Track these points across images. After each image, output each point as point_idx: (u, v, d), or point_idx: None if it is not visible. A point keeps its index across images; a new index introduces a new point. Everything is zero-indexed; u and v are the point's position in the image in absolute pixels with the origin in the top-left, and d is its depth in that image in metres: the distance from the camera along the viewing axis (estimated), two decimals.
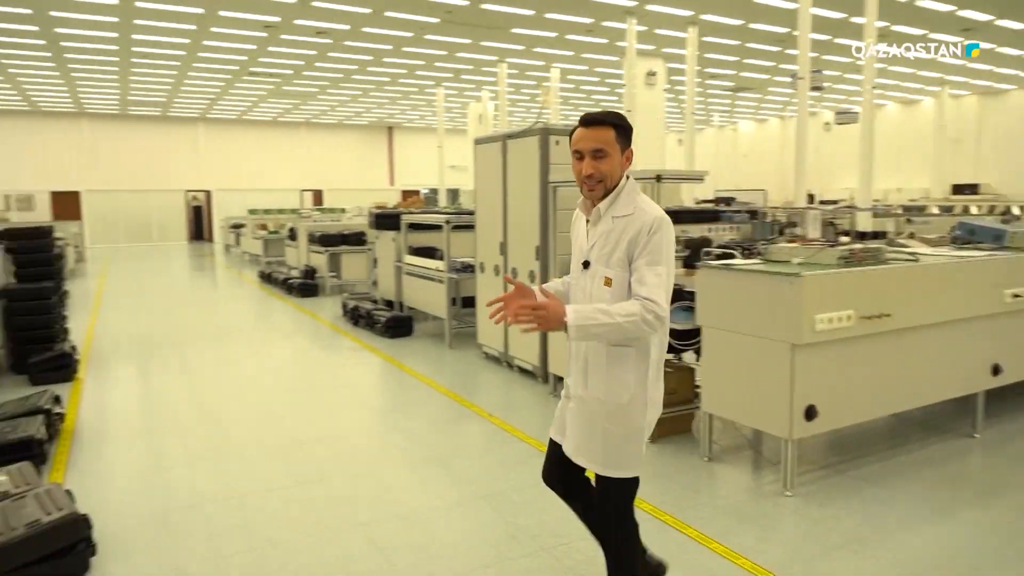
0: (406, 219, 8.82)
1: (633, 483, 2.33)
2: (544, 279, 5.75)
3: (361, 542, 3.33)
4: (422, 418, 5.36)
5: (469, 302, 7.91)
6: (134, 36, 15.01)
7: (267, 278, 13.77)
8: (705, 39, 15.73)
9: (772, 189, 29.21)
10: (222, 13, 13.45)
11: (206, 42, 15.74)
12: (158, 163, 27.81)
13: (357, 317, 9.02)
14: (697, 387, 4.64)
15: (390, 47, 16.60)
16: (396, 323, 8.34)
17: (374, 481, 4.09)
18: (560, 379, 5.74)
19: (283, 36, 15.32)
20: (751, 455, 4.47)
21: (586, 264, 2.30)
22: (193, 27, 14.43)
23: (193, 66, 18.34)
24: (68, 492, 3.33)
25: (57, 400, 5.01)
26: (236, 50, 16.63)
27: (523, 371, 6.40)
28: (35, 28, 14.28)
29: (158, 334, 8.82)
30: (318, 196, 30.87)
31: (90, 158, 26.64)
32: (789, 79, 16.64)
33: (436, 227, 8.10)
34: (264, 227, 17.70)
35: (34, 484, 3.42)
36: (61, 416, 4.98)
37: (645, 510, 3.57)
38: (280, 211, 20.65)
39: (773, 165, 29.87)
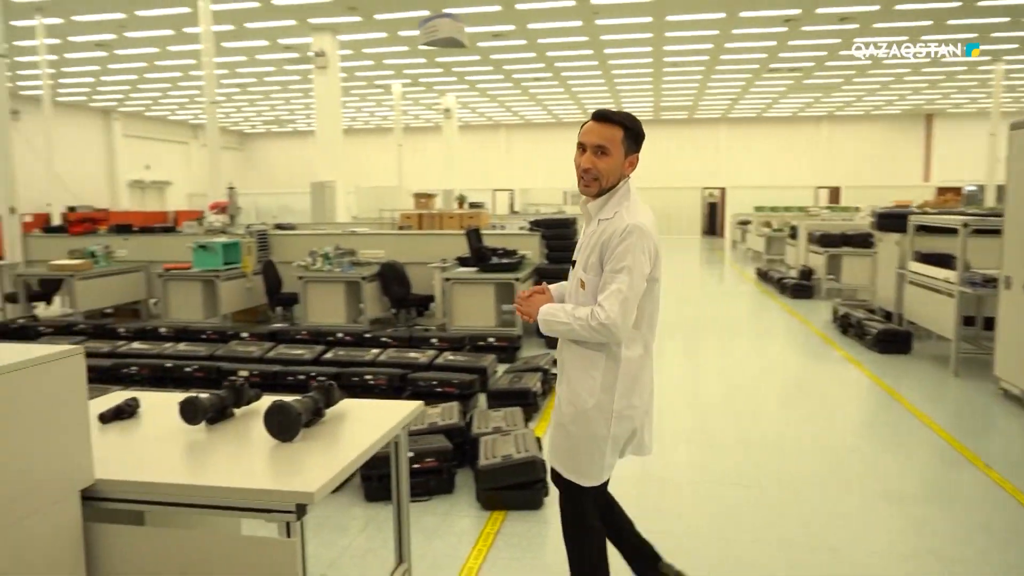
0: (913, 220, 7.67)
1: (591, 492, 2.32)
2: None
3: (778, 561, 3.14)
4: (896, 451, 4.66)
5: (990, 323, 6.47)
6: (665, 48, 16.59)
7: (763, 276, 13.72)
8: None
9: None
10: (743, 14, 13.77)
11: (728, 44, 16.35)
12: (682, 162, 30.19)
13: (846, 325, 8.28)
14: None
15: (930, 22, 14.45)
16: (890, 337, 7.37)
17: (815, 502, 3.77)
18: None
19: (803, 28, 14.84)
20: None
21: (573, 264, 2.35)
22: (715, 32, 15.16)
23: (716, 69, 19.26)
24: (538, 439, 4.01)
25: (555, 363, 6.01)
26: (756, 48, 16.82)
27: None
28: (589, 52, 17.07)
29: (661, 319, 9.67)
30: (835, 193, 29.08)
31: None
32: None
33: (951, 230, 6.83)
34: (768, 225, 17.61)
35: (518, 427, 4.22)
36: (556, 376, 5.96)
37: None
38: (786, 209, 20.23)
39: None
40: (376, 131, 31.34)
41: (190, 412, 2.19)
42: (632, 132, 2.22)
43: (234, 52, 17.06)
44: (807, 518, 3.57)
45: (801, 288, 11.48)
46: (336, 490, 3.83)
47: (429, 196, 13.77)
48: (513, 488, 3.60)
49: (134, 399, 2.41)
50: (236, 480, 1.79)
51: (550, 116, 29.04)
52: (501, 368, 6.01)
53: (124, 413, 2.33)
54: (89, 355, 6.12)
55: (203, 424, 2.24)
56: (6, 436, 1.58)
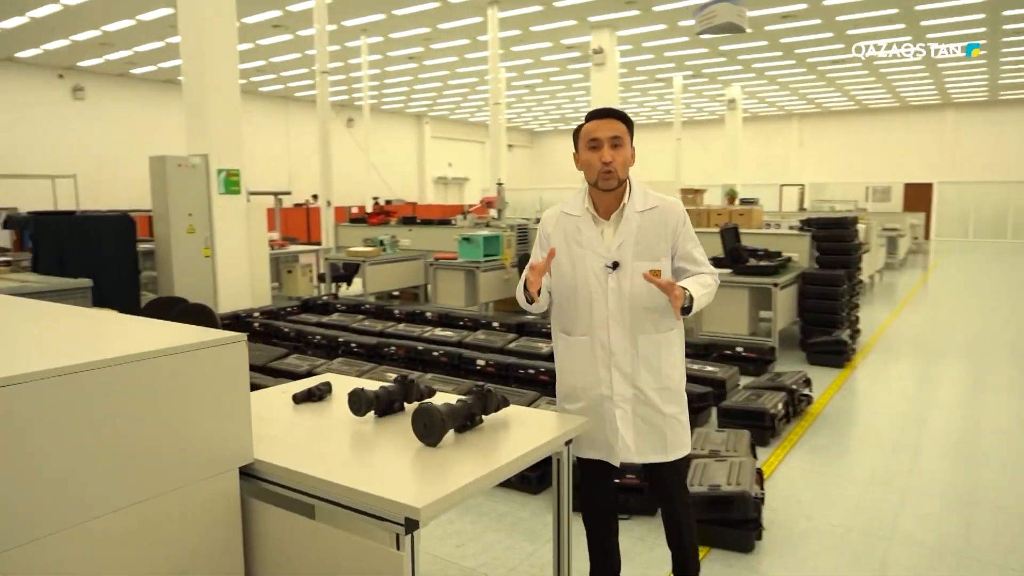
0: None
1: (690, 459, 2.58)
2: None
3: None
4: None
5: None
6: (1003, 13, 13.68)
7: None
8: None
9: None
10: None
11: None
12: None
13: None
14: None
15: None
16: None
17: None
18: None
19: None
20: None
21: (615, 265, 2.32)
22: None
23: None
24: (759, 471, 3.52)
25: (807, 383, 5.28)
26: None
27: None
28: (901, 27, 14.78)
29: (956, 341, 8.07)
30: None
31: (950, 148, 26.04)
32: None
33: None
34: None
35: (739, 453, 3.74)
36: (808, 398, 5.23)
37: None
38: None
39: None
40: (657, 125, 30.95)
41: (356, 403, 2.27)
42: (631, 127, 2.35)
43: (521, 55, 18.07)
44: None
45: None
46: (539, 491, 3.79)
47: (697, 191, 13.14)
48: (719, 524, 3.20)
49: (326, 383, 2.58)
50: (362, 482, 1.78)
51: (852, 103, 25.95)
52: (744, 382, 5.45)
53: (314, 396, 2.51)
54: (360, 333, 6.96)
55: (371, 416, 2.31)
56: (173, 409, 1.75)
